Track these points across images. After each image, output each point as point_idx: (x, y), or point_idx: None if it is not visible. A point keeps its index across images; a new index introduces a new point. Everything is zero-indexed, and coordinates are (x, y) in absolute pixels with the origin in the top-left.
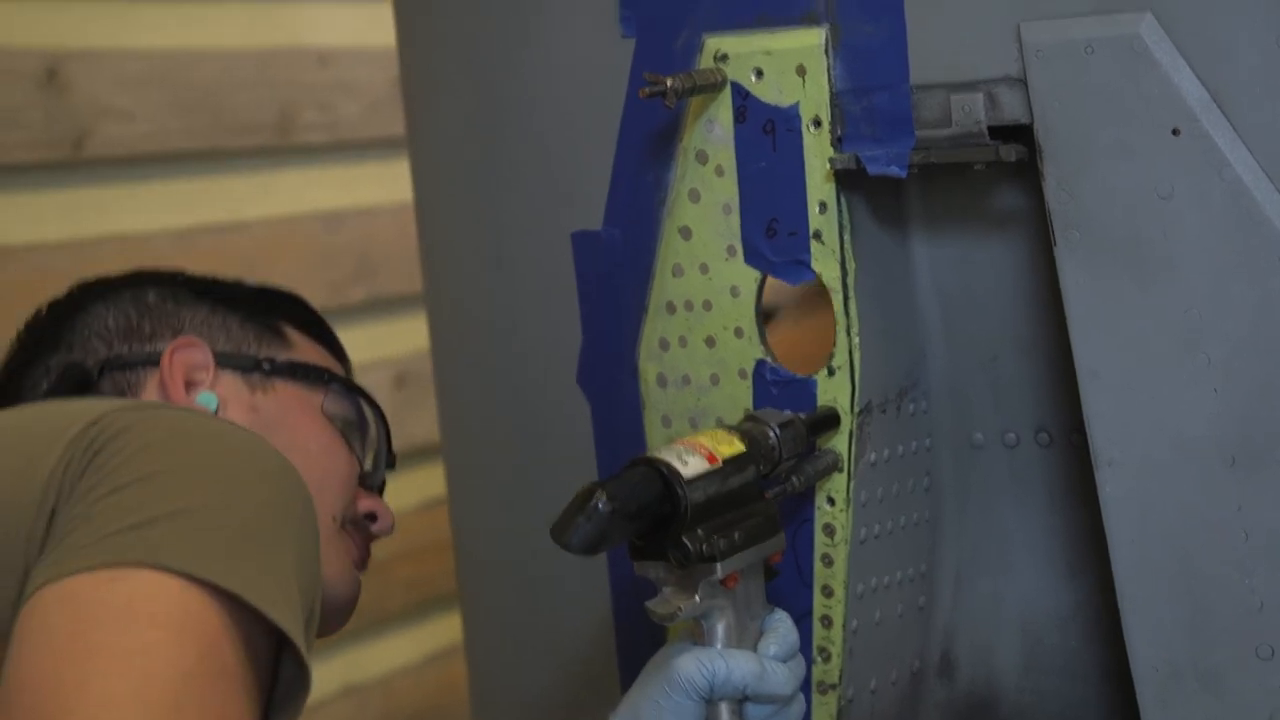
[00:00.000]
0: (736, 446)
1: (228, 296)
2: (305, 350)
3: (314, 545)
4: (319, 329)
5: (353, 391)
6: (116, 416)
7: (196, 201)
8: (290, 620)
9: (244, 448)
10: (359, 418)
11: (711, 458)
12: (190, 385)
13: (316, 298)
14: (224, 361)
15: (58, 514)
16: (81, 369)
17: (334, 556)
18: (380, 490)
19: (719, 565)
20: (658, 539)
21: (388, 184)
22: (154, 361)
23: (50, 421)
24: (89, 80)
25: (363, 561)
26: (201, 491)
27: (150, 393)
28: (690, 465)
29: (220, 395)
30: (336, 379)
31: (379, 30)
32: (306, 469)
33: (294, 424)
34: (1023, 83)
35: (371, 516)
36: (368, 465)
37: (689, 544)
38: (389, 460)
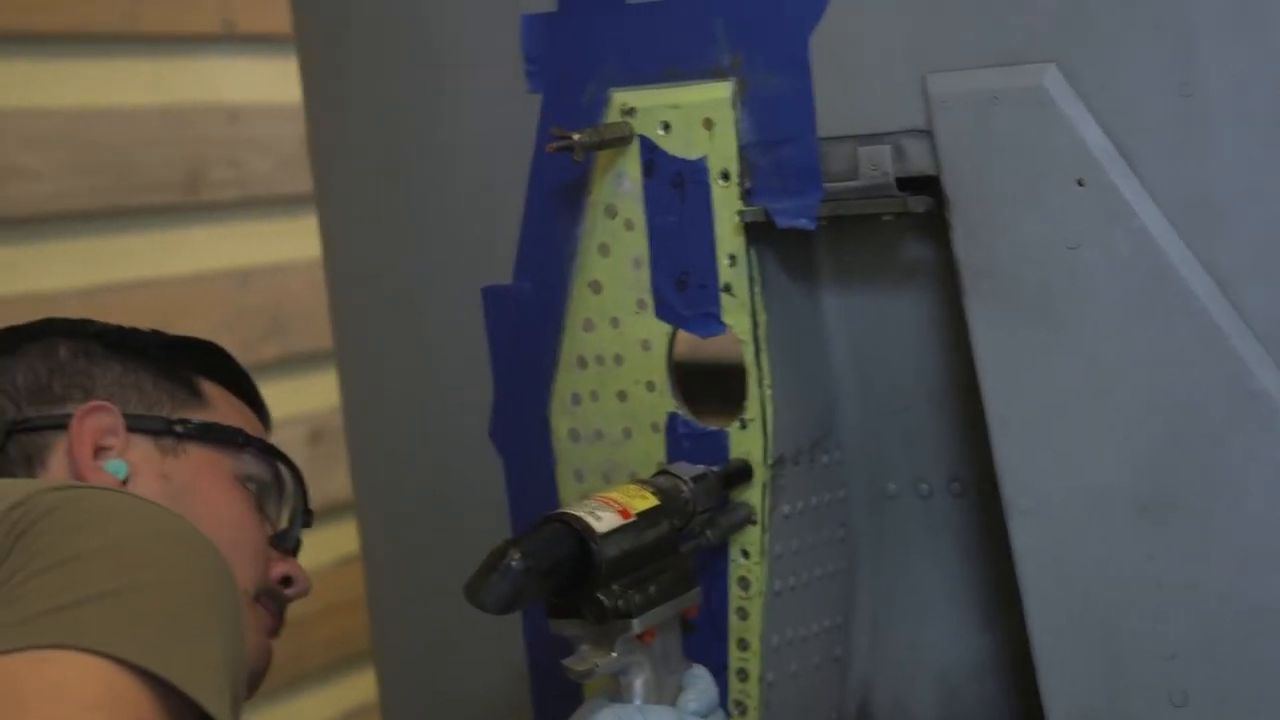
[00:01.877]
0: (649, 500)
1: (141, 351)
2: (221, 407)
3: (239, 626)
4: (237, 382)
5: (268, 452)
6: (41, 499)
7: (105, 260)
8: (219, 705)
9: (170, 529)
10: (275, 478)
11: (625, 512)
12: (99, 451)
13: None
14: (135, 425)
15: None
16: None
17: (247, 631)
18: (295, 551)
19: (635, 621)
20: (573, 596)
21: (299, 240)
22: (62, 425)
23: None
24: None
25: (277, 629)
26: (130, 573)
27: (58, 458)
28: (603, 520)
29: (130, 462)
30: (251, 441)
31: (289, 87)
32: (217, 539)
33: (205, 491)
34: (929, 134)
35: (287, 580)
36: (283, 525)
37: (604, 600)
38: (305, 520)
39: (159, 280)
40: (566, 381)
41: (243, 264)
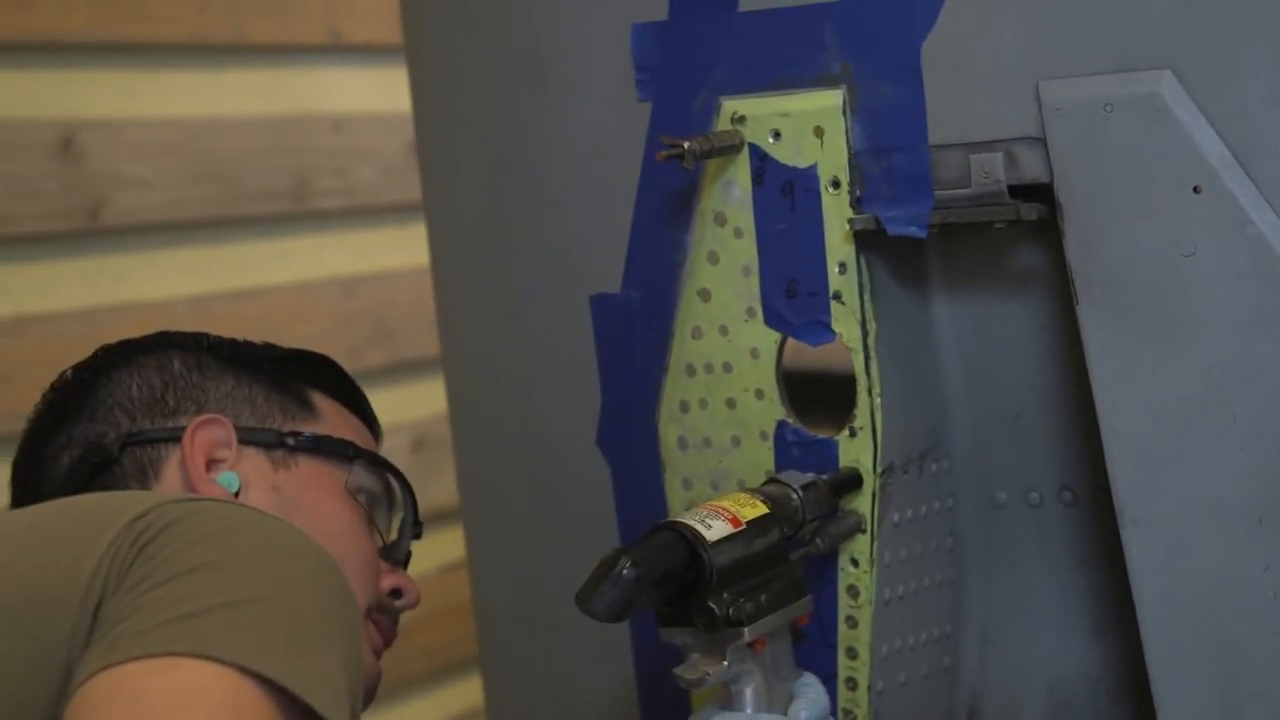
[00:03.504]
0: (759, 509)
1: (254, 364)
2: (333, 420)
3: (358, 639)
4: (349, 395)
5: (379, 464)
6: (164, 510)
7: (213, 269)
8: (340, 716)
9: (291, 543)
10: (385, 490)
11: (735, 521)
12: (212, 464)
13: None
14: (247, 438)
15: (103, 607)
16: (101, 449)
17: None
18: (405, 562)
19: (746, 629)
20: (683, 604)
21: (404, 249)
22: (176, 438)
23: (92, 516)
24: (105, 149)
25: (388, 642)
26: (253, 584)
27: (171, 470)
28: (714, 529)
29: (242, 475)
30: (362, 454)
31: (394, 96)
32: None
33: (315, 504)
34: (1042, 142)
35: (396, 593)
36: (392, 537)
37: (715, 609)
38: (415, 531)
39: (266, 288)
40: (675, 389)
41: (348, 272)
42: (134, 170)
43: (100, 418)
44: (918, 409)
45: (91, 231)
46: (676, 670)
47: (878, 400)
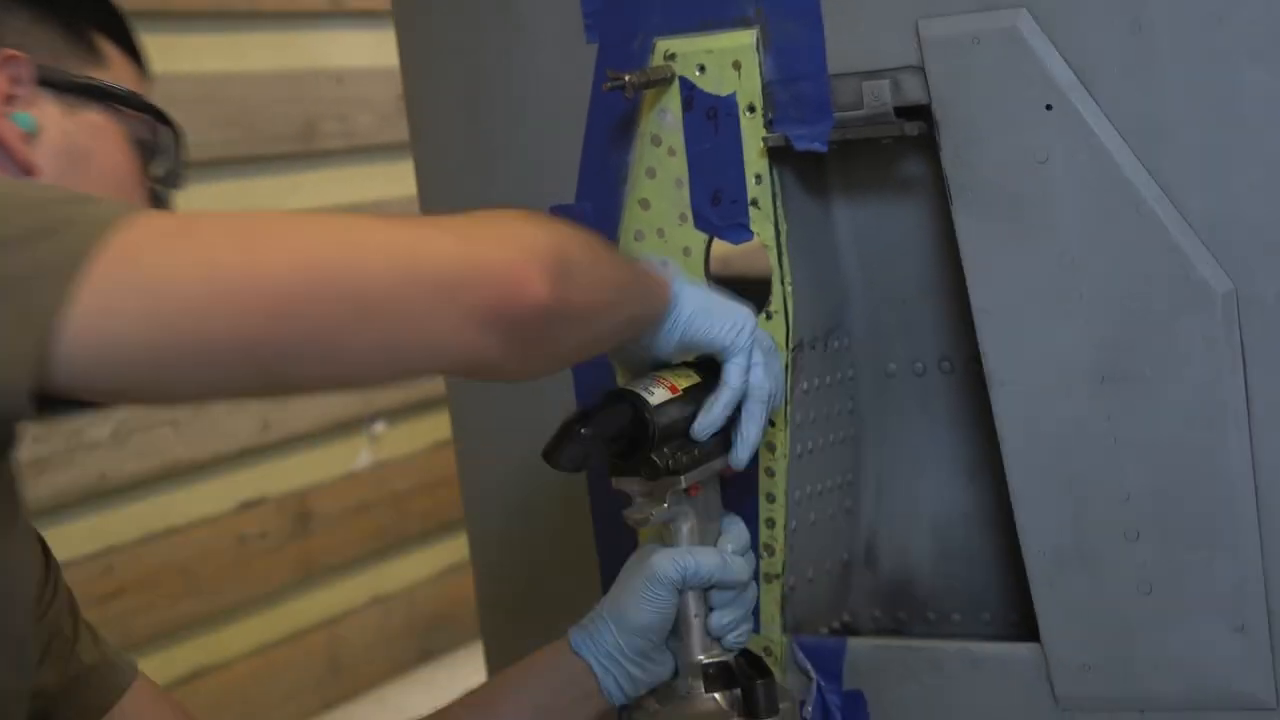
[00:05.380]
0: (693, 379)
1: (49, 2)
2: (119, 68)
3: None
4: (130, 42)
5: (155, 115)
6: None
7: (234, 200)
8: None
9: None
10: (159, 141)
11: (673, 389)
12: (8, 100)
13: None
14: (44, 78)
15: None
16: None
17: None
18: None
19: (683, 477)
20: (631, 457)
21: (396, 182)
22: None
23: None
24: None
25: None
26: None
27: None
28: (656, 395)
29: (37, 117)
30: (146, 106)
31: (387, 53)
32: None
33: (103, 154)
34: (921, 70)
35: None
36: (161, 173)
37: (657, 461)
38: (178, 180)
39: None
40: None
41: (348, 201)
42: None
43: None
44: (822, 295)
45: None
46: (625, 512)
47: (789, 289)
